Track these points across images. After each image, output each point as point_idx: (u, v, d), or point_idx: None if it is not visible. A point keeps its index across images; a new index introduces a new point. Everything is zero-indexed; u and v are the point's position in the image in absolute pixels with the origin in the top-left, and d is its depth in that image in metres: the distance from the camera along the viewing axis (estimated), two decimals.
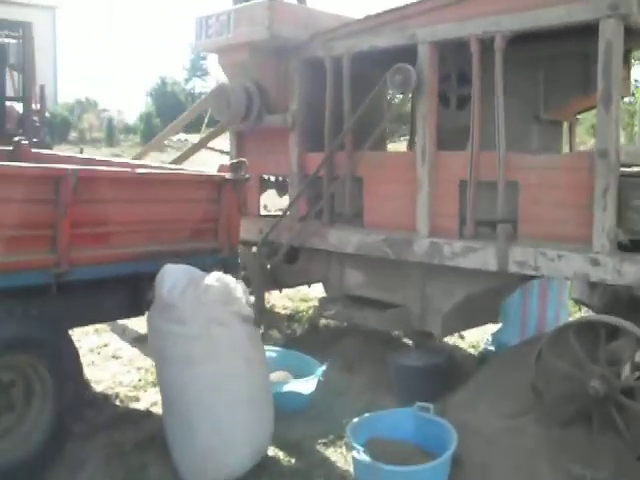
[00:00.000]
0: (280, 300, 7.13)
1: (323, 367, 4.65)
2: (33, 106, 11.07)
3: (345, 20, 5.35)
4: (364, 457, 3.53)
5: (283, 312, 6.82)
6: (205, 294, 3.64)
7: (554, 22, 4.02)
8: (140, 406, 4.71)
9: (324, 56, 5.20)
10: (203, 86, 37.01)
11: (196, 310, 3.62)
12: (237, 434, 3.68)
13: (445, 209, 4.69)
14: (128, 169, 4.05)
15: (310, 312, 6.71)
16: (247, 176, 4.63)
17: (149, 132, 21.75)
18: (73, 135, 26.33)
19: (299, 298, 7.28)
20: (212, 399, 3.64)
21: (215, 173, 4.58)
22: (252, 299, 5.65)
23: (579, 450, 3.62)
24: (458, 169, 4.59)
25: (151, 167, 4.62)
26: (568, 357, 3.85)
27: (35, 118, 10.95)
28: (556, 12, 3.99)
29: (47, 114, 13.18)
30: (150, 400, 4.73)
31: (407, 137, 6.82)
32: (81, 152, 11.22)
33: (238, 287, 3.75)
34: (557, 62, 4.78)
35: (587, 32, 4.08)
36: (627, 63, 4.81)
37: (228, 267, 4.65)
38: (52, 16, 33.69)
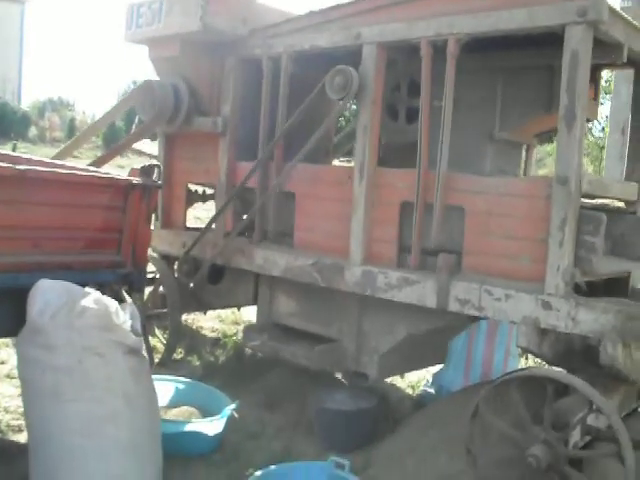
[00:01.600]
0: (210, 322, 6.53)
1: (232, 406, 4.05)
2: None
3: (289, 15, 4.78)
4: None
5: (209, 335, 6.21)
6: (79, 318, 3.05)
7: (514, 26, 3.49)
8: (21, 438, 4.05)
9: (262, 54, 4.64)
10: None
11: (68, 336, 3.03)
12: None
13: (383, 234, 4.13)
14: (8, 164, 3.42)
15: (239, 337, 6.10)
16: (159, 182, 4.04)
17: (111, 135, 21.09)
18: (34, 133, 25.50)
19: (231, 320, 6.68)
20: (83, 443, 3.05)
21: (120, 176, 3.98)
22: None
23: None
24: (401, 189, 4.04)
25: (43, 164, 4.00)
26: (508, 415, 3.30)
27: None
28: (517, 15, 3.45)
29: None
30: None
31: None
32: (13, 149, 10.52)
33: (121, 311, 3.14)
34: (518, 75, 4.26)
35: (553, 42, 3.56)
36: (595, 81, 4.32)
37: (132, 284, 4.09)
38: (20, 10, 32.88)
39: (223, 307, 5.81)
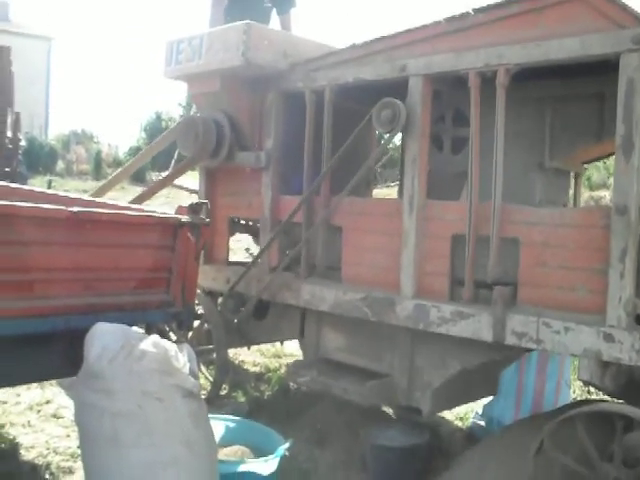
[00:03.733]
0: (251, 356, 6.49)
1: (286, 445, 3.99)
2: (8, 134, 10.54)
3: (328, 49, 4.78)
4: None
5: (252, 370, 6.16)
6: (139, 362, 3.01)
7: (566, 56, 3.44)
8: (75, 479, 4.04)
9: (304, 88, 4.63)
10: None
11: (127, 381, 2.99)
12: None
13: (434, 267, 4.07)
14: (61, 206, 3.43)
15: (282, 371, 6.05)
16: (208, 220, 4.02)
17: (136, 171, 21.28)
18: (61, 167, 25.75)
19: (272, 354, 6.64)
20: None
21: (169, 215, 3.97)
22: (212, 358, 5.04)
23: None
24: (451, 221, 3.99)
25: (93, 204, 4.00)
26: (574, 451, 3.22)
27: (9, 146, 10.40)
28: (569, 44, 3.41)
29: (23, 143, 12.55)
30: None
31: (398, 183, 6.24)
32: (49, 186, 10.59)
33: (180, 354, 3.11)
34: (567, 103, 4.20)
35: (604, 69, 3.52)
36: None
37: (181, 323, 4.07)
38: (47, 46, 33.43)
39: (268, 342, 5.77)
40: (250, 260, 5.19)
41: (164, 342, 3.12)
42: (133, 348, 3.05)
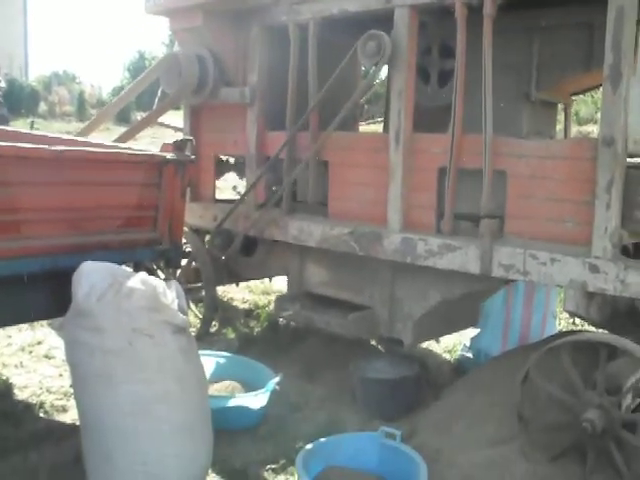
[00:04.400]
0: (239, 293, 6.52)
1: (276, 379, 4.05)
2: None
3: None
4: None
5: (241, 306, 6.20)
6: (128, 299, 3.01)
7: None
8: (67, 418, 4.08)
9: (288, 21, 4.54)
10: None
11: (116, 319, 2.99)
12: (166, 465, 3.07)
13: (421, 200, 4.07)
14: (45, 145, 3.38)
15: (271, 307, 6.09)
16: (193, 157, 3.99)
17: (121, 110, 21.00)
18: (43, 109, 25.34)
19: (260, 290, 6.67)
20: (136, 425, 3.02)
21: (154, 152, 3.93)
22: (201, 296, 5.06)
23: None
24: (438, 154, 3.97)
25: (78, 143, 3.96)
26: (559, 380, 3.28)
27: None
28: None
29: (3, 84, 12.33)
30: None
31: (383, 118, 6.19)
32: (31, 127, 10.44)
33: (168, 291, 3.12)
34: (555, 33, 4.15)
35: None
36: (636, 38, 4.21)
37: (169, 260, 4.08)
38: None
39: (256, 278, 5.79)
40: (237, 197, 5.18)
41: (152, 279, 3.12)
42: (121, 286, 3.05)
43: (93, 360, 3.01)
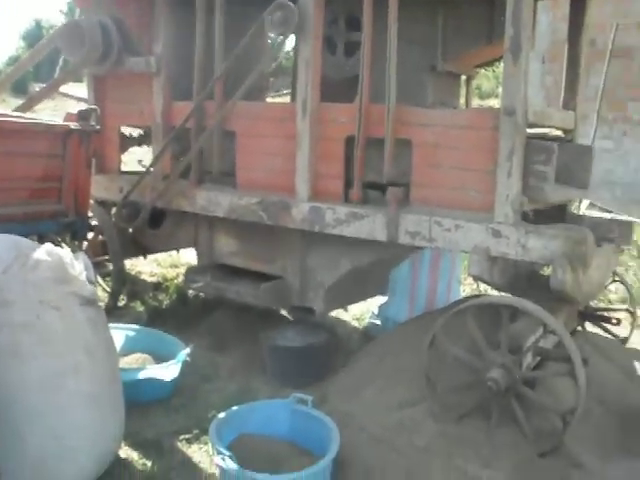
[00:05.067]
0: (147, 266, 6.44)
1: (187, 350, 4.04)
2: None
3: None
4: (230, 464, 2.96)
5: (149, 280, 6.13)
6: (34, 271, 2.94)
7: None
8: None
9: None
10: None
11: (23, 291, 2.91)
12: (78, 439, 3.02)
13: (329, 169, 4.12)
14: None
15: (179, 280, 6.05)
16: (97, 127, 3.91)
17: (18, 79, 20.23)
18: None
19: (169, 264, 6.61)
20: (46, 399, 2.96)
21: (57, 122, 3.83)
22: (108, 270, 4.98)
23: (476, 447, 3.17)
24: (345, 124, 4.02)
25: None
26: (465, 342, 3.40)
27: None
28: None
29: None
30: None
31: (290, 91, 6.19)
32: None
33: (76, 262, 3.06)
34: (458, 7, 4.24)
35: None
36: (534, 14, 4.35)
37: (75, 233, 4.00)
38: None
39: (165, 250, 5.73)
40: (138, 169, 5.12)
41: (59, 250, 3.05)
42: (27, 258, 2.97)
43: (0, 335, 2.93)
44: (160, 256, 6.53)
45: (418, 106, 4.01)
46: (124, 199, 4.86)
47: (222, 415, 3.38)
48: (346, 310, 5.54)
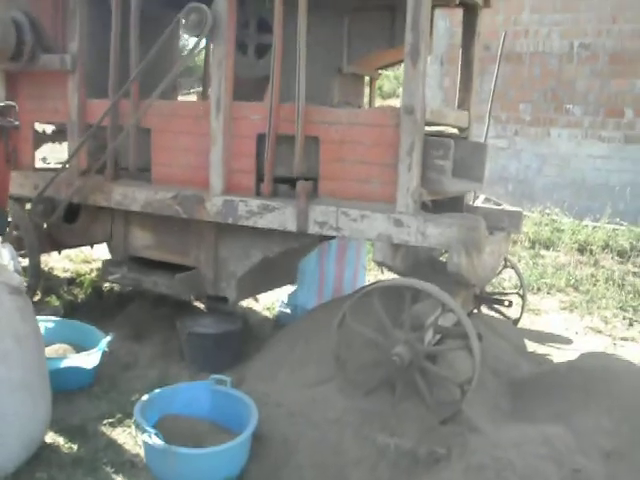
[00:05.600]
0: (60, 262, 6.50)
1: (108, 338, 4.19)
2: None
3: None
4: (156, 440, 3.16)
5: (63, 275, 6.20)
6: None
7: None
8: None
9: None
10: None
11: None
12: (7, 424, 3.14)
13: (241, 165, 4.34)
14: None
15: (93, 275, 6.14)
16: (17, 123, 4.00)
17: None
18: None
19: (81, 259, 6.69)
20: None
21: None
22: (24, 264, 5.04)
23: (384, 419, 3.47)
24: (256, 121, 4.25)
25: None
26: (372, 322, 3.69)
27: None
28: None
29: None
30: None
31: (197, 90, 6.37)
32: None
33: (4, 251, 3.19)
34: (362, 13, 4.53)
35: None
36: (430, 20, 4.69)
37: None
38: None
39: (80, 245, 5.80)
40: (52, 166, 5.20)
41: None
42: None
43: None
44: (72, 252, 6.60)
45: (325, 105, 4.28)
46: (39, 195, 4.94)
47: (145, 397, 3.53)
48: (257, 300, 5.77)
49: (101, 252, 6.53)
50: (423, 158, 3.82)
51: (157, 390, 3.68)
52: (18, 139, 4.89)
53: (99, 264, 6.40)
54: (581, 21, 10.24)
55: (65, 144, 5.15)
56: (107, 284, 5.79)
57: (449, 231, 3.71)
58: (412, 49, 3.71)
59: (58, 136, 5.53)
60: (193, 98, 6.33)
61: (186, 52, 4.87)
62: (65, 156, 5.09)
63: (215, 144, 4.33)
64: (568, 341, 5.39)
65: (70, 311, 5.21)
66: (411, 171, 3.77)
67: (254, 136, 4.27)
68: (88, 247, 6.01)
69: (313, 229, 4.05)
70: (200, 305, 5.39)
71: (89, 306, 5.43)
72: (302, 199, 4.03)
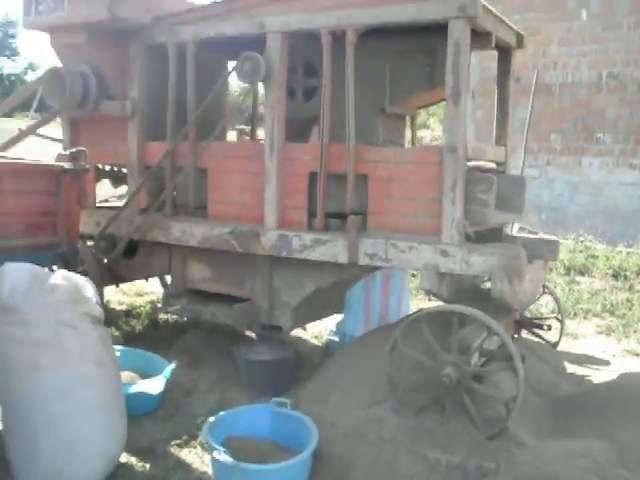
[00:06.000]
0: (115, 295, 6.83)
1: (172, 365, 4.48)
2: None
3: (187, 5, 5.15)
4: (226, 458, 3.42)
5: (119, 308, 6.52)
6: (52, 294, 3.38)
7: (406, 19, 4.08)
8: None
9: (167, 42, 4.98)
10: (13, 67, 34.83)
11: (42, 312, 3.35)
12: (89, 444, 3.44)
13: (294, 201, 4.65)
14: None
15: (148, 307, 6.46)
16: (87, 166, 4.36)
17: None
18: None
19: (134, 292, 7.02)
20: (61, 408, 3.37)
21: (54, 163, 4.27)
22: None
23: (434, 436, 3.72)
24: (308, 161, 4.57)
25: None
26: (421, 346, 3.94)
27: None
28: (408, 9, 4.05)
29: None
30: None
31: (240, 127, 6.72)
32: None
33: (87, 285, 3.51)
34: (404, 56, 4.83)
35: (434, 29, 4.18)
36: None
37: (68, 262, 4.41)
38: None
39: (138, 279, 6.13)
40: (113, 204, 5.56)
41: (73, 275, 3.50)
42: (44, 282, 3.41)
43: (21, 351, 3.33)
44: (125, 286, 6.91)
45: (371, 144, 4.59)
46: (102, 232, 5.28)
47: (212, 419, 3.81)
48: (305, 329, 6.04)
49: (152, 285, 6.87)
50: (466, 192, 4.10)
51: (221, 413, 3.95)
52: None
53: (152, 297, 6.79)
54: (609, 52, 10.53)
55: None
56: (162, 315, 6.10)
57: (492, 260, 3.97)
58: (453, 91, 4.01)
59: (115, 174, 5.87)
60: (233, 135, 6.65)
61: (237, 94, 5.19)
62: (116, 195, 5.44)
63: (269, 183, 4.64)
64: (606, 363, 5.59)
65: (130, 341, 5.50)
66: (455, 205, 4.05)
67: (306, 174, 4.58)
68: (139, 280, 6.30)
69: (363, 260, 4.33)
70: (250, 334, 5.67)
71: (147, 336, 5.72)
72: (353, 233, 4.31)
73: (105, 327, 3.63)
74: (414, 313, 4.32)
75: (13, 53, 36.31)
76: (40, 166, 4.20)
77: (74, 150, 4.31)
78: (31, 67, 36.48)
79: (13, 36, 35.15)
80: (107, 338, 3.62)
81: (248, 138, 6.19)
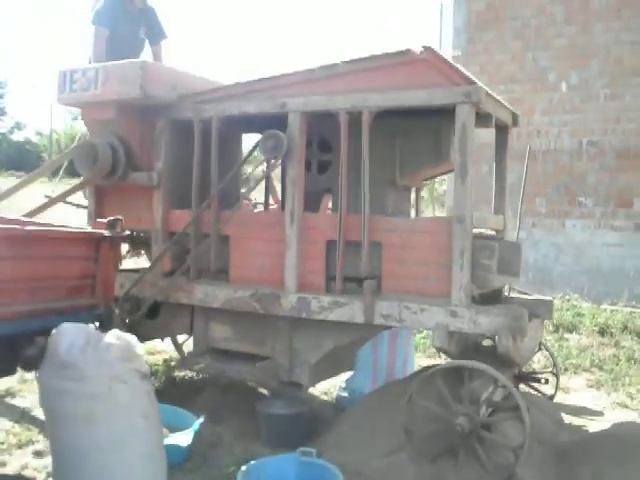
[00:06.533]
0: None
1: (200, 419, 4.80)
2: None
3: (212, 83, 5.62)
4: None
5: None
6: (107, 352, 3.73)
7: (417, 103, 4.57)
8: (8, 470, 4.57)
9: (193, 118, 5.42)
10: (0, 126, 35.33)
11: (98, 368, 3.69)
12: None
13: (312, 266, 5.04)
14: (15, 225, 4.05)
15: (163, 365, 6.77)
16: (124, 233, 4.73)
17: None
18: None
19: (146, 351, 7.30)
20: (111, 458, 3.69)
21: (94, 230, 4.65)
22: None
23: None
24: (325, 230, 4.99)
25: (34, 224, 4.59)
26: (434, 398, 4.32)
27: None
28: (419, 95, 4.53)
29: None
30: (18, 464, 4.61)
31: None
32: None
33: (138, 344, 3.87)
34: (412, 135, 5.30)
35: (440, 111, 4.66)
36: None
37: (104, 322, 4.73)
38: None
39: (159, 338, 6.45)
40: (137, 267, 5.93)
41: (125, 334, 3.86)
42: (99, 341, 3.76)
43: (77, 405, 3.66)
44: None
45: (382, 214, 5.03)
46: (126, 294, 5.63)
47: (244, 468, 4.12)
48: (314, 386, 6.37)
49: (164, 344, 7.18)
50: (472, 258, 4.52)
51: (251, 462, 4.26)
52: None
53: (164, 355, 7.10)
54: (588, 121, 11.18)
55: None
56: (178, 373, 6.41)
57: (498, 320, 4.38)
58: (461, 168, 4.47)
59: (134, 238, 6.24)
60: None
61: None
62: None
63: (289, 249, 5.04)
64: (600, 414, 5.97)
65: None
66: (463, 270, 4.47)
67: (324, 242, 5.00)
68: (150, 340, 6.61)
69: (378, 321, 4.72)
70: (263, 390, 6.00)
71: (167, 393, 5.97)
72: (368, 295, 4.71)
73: (151, 383, 3.98)
74: (428, 368, 4.69)
75: (0, 113, 36.87)
76: (82, 233, 4.57)
77: (112, 218, 4.67)
78: (17, 126, 37.24)
79: (1, 96, 35.74)
80: (152, 392, 3.96)
81: (261, 208, 6.61)
